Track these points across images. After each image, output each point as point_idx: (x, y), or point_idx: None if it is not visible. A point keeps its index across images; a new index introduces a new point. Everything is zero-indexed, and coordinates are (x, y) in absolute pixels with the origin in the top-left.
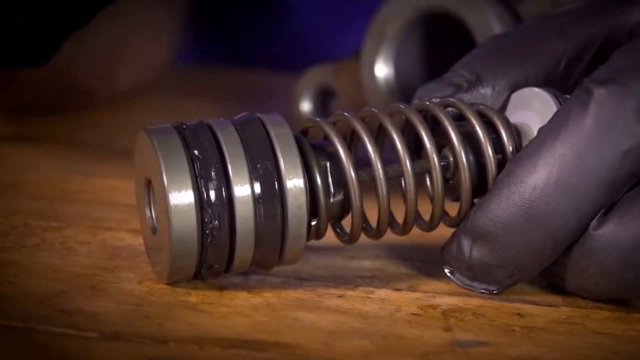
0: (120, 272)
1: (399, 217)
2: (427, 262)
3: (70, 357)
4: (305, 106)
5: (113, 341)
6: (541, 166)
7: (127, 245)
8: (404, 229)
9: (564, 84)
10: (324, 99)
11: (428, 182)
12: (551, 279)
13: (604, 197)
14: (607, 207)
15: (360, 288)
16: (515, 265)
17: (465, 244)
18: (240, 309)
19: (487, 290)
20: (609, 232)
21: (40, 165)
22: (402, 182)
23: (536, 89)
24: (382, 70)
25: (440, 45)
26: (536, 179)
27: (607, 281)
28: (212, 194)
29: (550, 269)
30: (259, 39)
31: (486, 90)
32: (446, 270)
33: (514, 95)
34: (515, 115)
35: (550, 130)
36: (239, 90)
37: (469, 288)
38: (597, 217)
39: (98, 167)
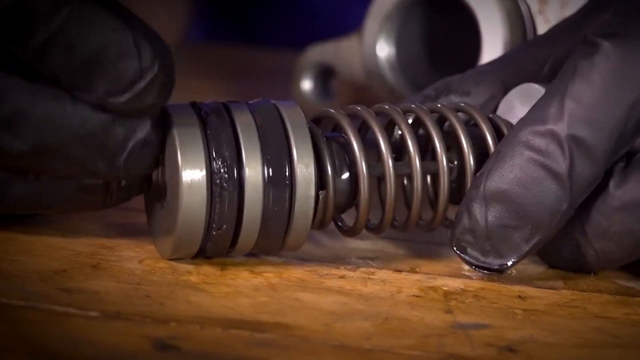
0: (121, 251)
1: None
2: (427, 243)
3: (71, 336)
4: (306, 84)
5: (114, 320)
6: (551, 121)
7: (129, 223)
8: (406, 227)
9: None
10: (325, 77)
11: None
12: (569, 250)
13: (615, 147)
14: (624, 162)
15: (361, 269)
16: (534, 224)
17: (479, 211)
18: (241, 289)
19: (502, 264)
20: (629, 190)
21: None
22: (410, 181)
23: (534, 85)
24: (384, 49)
25: (442, 25)
26: (548, 133)
27: (630, 239)
28: (224, 173)
29: (568, 239)
30: (267, 17)
31: (454, 97)
32: (456, 250)
33: (512, 92)
34: (514, 111)
35: (557, 87)
36: (242, 68)
37: (483, 264)
38: (614, 175)
39: None
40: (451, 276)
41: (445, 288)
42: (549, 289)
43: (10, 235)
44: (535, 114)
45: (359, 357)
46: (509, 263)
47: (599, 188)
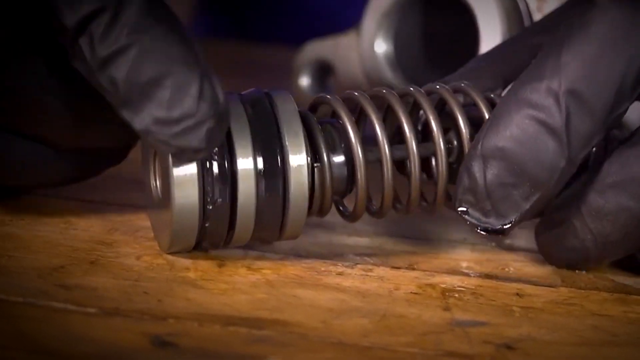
0: (119, 247)
1: (400, 197)
2: (425, 240)
3: (69, 333)
4: (304, 81)
5: (112, 317)
6: (547, 77)
7: (126, 220)
8: (407, 210)
9: None
10: (323, 74)
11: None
12: (567, 237)
13: (614, 103)
14: (618, 142)
15: (359, 266)
16: (533, 181)
17: (477, 169)
18: (239, 286)
19: (504, 224)
20: (623, 166)
21: None
22: (407, 163)
23: None
24: (382, 46)
25: (440, 22)
26: (545, 89)
27: (625, 216)
28: (215, 166)
29: (565, 225)
30: (266, 13)
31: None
32: (459, 210)
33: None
34: None
35: (553, 42)
36: (240, 65)
37: (485, 225)
38: (608, 153)
39: None
40: (449, 273)
41: (443, 285)
42: (546, 286)
43: (8, 232)
44: (533, 71)
45: (357, 354)
46: (510, 223)
47: (594, 168)
